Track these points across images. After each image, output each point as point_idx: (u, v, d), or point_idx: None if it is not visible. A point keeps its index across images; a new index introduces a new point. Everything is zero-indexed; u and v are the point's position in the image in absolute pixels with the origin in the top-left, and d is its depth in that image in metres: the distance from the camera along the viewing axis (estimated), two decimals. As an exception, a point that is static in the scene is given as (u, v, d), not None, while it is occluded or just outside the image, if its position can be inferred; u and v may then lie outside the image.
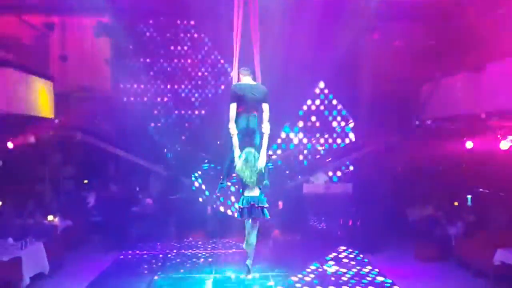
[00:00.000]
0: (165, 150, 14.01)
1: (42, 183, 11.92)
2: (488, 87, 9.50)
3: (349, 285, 7.59)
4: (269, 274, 8.15)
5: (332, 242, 10.31)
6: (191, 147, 13.27)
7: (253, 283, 7.75)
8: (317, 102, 14.03)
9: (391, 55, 12.20)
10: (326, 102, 14.06)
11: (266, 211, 6.55)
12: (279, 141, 13.98)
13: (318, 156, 13.81)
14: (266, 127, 6.57)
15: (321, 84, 14.03)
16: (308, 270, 8.41)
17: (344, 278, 7.98)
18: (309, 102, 14.05)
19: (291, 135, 14.06)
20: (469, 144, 10.56)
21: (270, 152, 10.40)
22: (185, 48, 14.27)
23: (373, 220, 10.88)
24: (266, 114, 6.63)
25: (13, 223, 9.35)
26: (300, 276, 8.11)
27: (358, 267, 8.58)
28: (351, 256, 9.41)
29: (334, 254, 9.54)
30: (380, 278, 7.93)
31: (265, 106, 6.61)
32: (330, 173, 13.72)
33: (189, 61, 14.34)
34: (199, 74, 14.38)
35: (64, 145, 11.95)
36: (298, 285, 7.59)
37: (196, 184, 11.23)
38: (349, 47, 12.47)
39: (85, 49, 12.61)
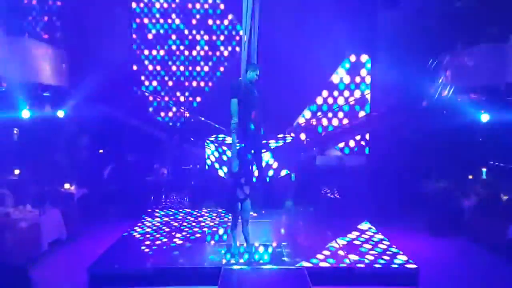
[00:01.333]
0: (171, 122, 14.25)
1: (58, 151, 12.09)
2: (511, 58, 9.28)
3: (359, 257, 7.61)
4: (283, 247, 8.20)
5: (345, 214, 10.32)
6: (204, 117, 13.30)
7: (266, 252, 7.84)
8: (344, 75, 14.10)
9: (411, 24, 11.93)
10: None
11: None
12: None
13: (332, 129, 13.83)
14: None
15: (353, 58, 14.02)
16: (322, 243, 8.44)
17: (356, 248, 7.99)
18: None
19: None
20: (485, 117, 10.40)
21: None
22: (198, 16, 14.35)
23: (386, 192, 10.86)
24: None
25: (30, 190, 9.54)
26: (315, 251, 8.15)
27: (370, 239, 8.58)
28: (364, 228, 9.41)
29: (347, 226, 9.54)
30: (392, 250, 7.94)
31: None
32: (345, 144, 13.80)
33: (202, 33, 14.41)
34: (213, 38, 14.56)
35: (80, 114, 12.05)
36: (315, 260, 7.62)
37: (209, 152, 11.30)
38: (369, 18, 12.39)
39: (101, 18, 12.58)
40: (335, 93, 14.14)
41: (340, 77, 14.11)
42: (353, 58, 14.02)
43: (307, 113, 14.13)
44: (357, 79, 14.10)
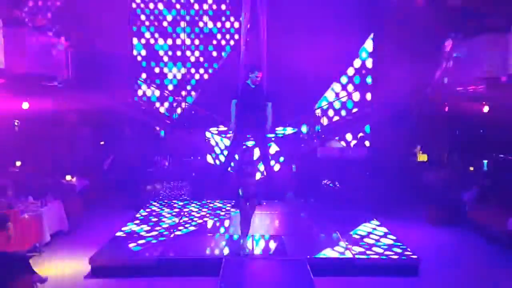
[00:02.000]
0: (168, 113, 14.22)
1: (59, 143, 12.09)
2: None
3: (360, 248, 7.64)
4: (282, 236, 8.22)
5: (347, 206, 10.37)
6: (203, 109, 13.28)
7: (268, 244, 7.88)
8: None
9: (411, 13, 11.88)
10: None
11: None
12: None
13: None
14: None
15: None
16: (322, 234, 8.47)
17: (357, 239, 8.03)
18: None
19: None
20: (486, 108, 10.38)
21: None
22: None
23: (387, 183, 10.87)
24: None
25: (32, 182, 9.56)
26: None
27: (371, 230, 8.62)
28: (365, 219, 9.44)
29: (349, 217, 9.57)
30: (393, 241, 7.96)
31: None
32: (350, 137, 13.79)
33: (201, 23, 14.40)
34: (209, 27, 14.65)
35: (81, 106, 12.03)
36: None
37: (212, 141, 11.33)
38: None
39: (102, 10, 12.53)
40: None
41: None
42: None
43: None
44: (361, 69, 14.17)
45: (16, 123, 11.50)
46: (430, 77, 11.95)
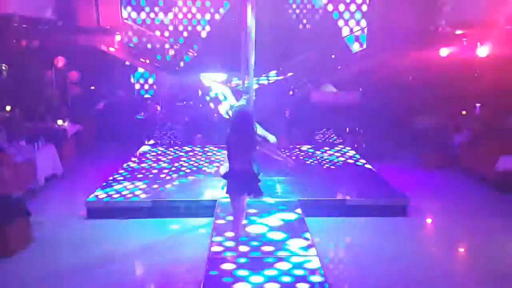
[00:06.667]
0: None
1: (49, 87, 11.90)
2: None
3: (351, 189, 7.77)
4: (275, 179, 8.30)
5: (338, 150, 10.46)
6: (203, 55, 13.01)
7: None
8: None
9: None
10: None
11: None
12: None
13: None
14: None
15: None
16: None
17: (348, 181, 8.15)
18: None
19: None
20: (482, 51, 10.26)
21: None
22: None
23: (380, 128, 10.92)
24: None
25: (24, 126, 9.48)
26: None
27: (362, 172, 8.74)
28: (356, 162, 9.56)
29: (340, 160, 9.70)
30: (383, 182, 8.08)
31: None
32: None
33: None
34: None
35: (68, 49, 11.72)
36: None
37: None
38: None
39: None
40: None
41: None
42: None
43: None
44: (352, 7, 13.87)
45: (4, 67, 11.24)
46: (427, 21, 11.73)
